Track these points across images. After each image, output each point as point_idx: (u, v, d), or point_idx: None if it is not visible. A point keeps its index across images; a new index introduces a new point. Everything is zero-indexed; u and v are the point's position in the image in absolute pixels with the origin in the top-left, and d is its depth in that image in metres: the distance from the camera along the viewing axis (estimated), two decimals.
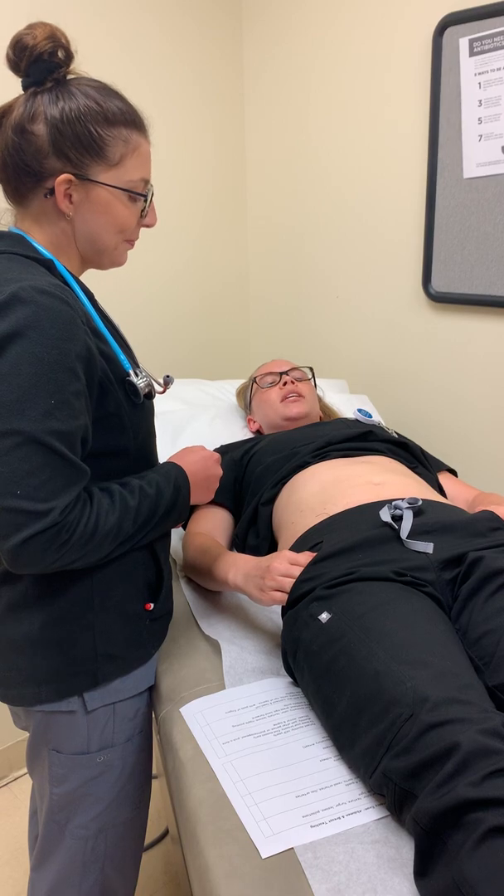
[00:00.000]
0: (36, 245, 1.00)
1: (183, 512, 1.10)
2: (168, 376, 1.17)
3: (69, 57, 0.98)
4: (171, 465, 1.11)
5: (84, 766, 1.10)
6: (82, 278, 1.15)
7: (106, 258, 1.06)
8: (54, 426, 0.88)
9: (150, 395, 1.07)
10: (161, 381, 1.17)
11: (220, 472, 1.19)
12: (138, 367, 1.07)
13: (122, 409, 1.01)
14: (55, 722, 1.08)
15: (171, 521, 1.08)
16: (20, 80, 0.98)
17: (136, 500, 1.00)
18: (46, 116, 0.95)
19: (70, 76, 0.99)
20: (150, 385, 1.06)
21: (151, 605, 1.11)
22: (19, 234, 1.01)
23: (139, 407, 1.05)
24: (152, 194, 1.04)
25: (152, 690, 1.20)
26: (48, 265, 0.98)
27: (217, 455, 1.19)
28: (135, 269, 2.15)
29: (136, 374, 1.03)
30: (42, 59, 0.95)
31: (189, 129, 2.21)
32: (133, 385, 1.03)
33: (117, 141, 0.98)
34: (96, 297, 1.10)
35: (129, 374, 1.03)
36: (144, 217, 1.06)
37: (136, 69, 2.03)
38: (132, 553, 1.06)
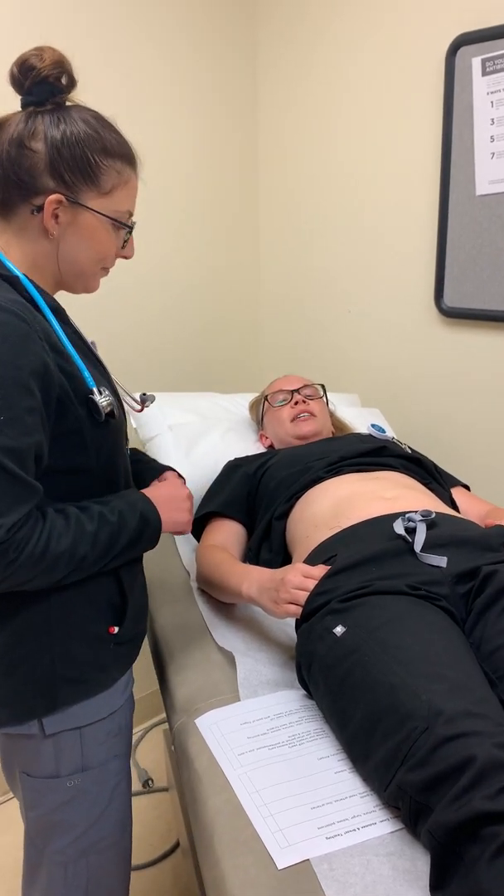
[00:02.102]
0: (5, 261, 1.00)
1: (153, 537, 1.08)
2: (145, 394, 1.15)
3: (71, 84, 1.01)
4: (135, 494, 1.09)
5: (55, 790, 1.07)
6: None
7: (80, 282, 1.07)
8: (3, 443, 0.87)
9: (112, 415, 1.04)
10: (137, 398, 1.16)
11: (185, 491, 1.18)
12: (109, 384, 1.06)
13: (83, 426, 0.99)
14: (19, 745, 1.06)
15: (140, 548, 1.07)
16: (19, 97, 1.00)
17: (95, 525, 0.98)
18: (47, 136, 0.97)
19: (68, 103, 1.01)
20: (112, 404, 1.03)
21: (116, 629, 1.08)
22: None
23: (102, 425, 1.03)
24: (133, 226, 1.07)
25: (127, 712, 1.16)
26: (13, 281, 0.97)
27: (180, 481, 1.19)
28: (147, 284, 2.18)
29: (100, 393, 1.01)
30: (46, 82, 0.98)
31: (202, 146, 2.24)
32: (95, 403, 1.00)
33: (111, 171, 1.00)
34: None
35: (91, 392, 1.00)
36: (124, 248, 1.08)
37: (151, 80, 2.06)
38: (94, 575, 1.03)
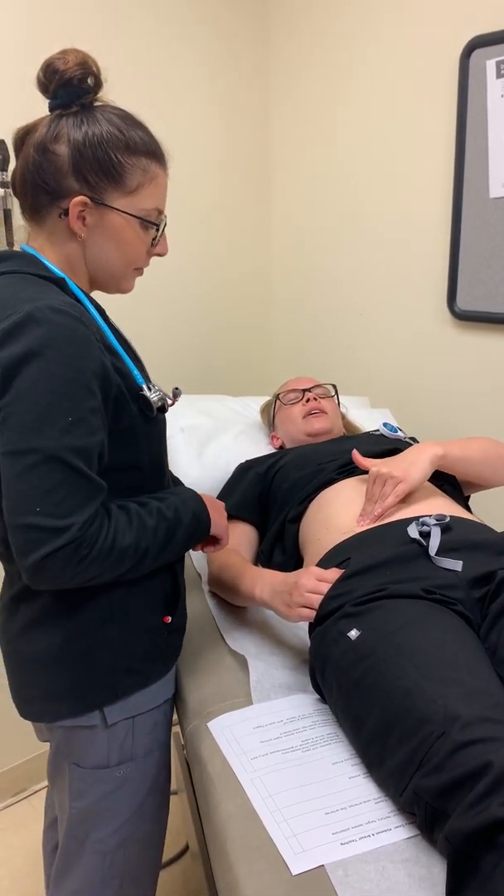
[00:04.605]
0: (48, 263, 1.01)
1: (204, 533, 1.11)
2: (177, 389, 1.17)
3: (98, 84, 1.01)
4: (188, 492, 1.12)
5: (103, 780, 1.10)
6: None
7: (113, 283, 1.08)
8: (72, 443, 0.89)
9: (163, 409, 1.08)
10: (170, 393, 1.18)
11: (222, 503, 1.22)
12: (150, 381, 1.08)
13: (136, 423, 1.02)
14: (76, 737, 1.08)
15: (192, 543, 1.10)
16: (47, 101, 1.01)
17: (154, 520, 1.01)
18: (69, 138, 0.97)
19: (97, 103, 1.01)
20: (163, 399, 1.07)
21: (169, 618, 1.11)
22: (31, 254, 1.02)
23: (152, 421, 1.06)
24: (165, 224, 1.06)
25: (171, 704, 1.20)
26: (60, 283, 0.99)
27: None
28: (159, 287, 2.17)
29: (150, 389, 1.05)
30: (71, 84, 0.98)
31: (214, 149, 2.24)
32: (147, 399, 1.04)
33: (136, 169, 1.00)
34: (108, 314, 1.11)
35: (142, 389, 1.04)
36: (155, 246, 1.07)
37: (164, 87, 2.07)
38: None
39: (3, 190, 1.67)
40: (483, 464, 1.45)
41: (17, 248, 1.74)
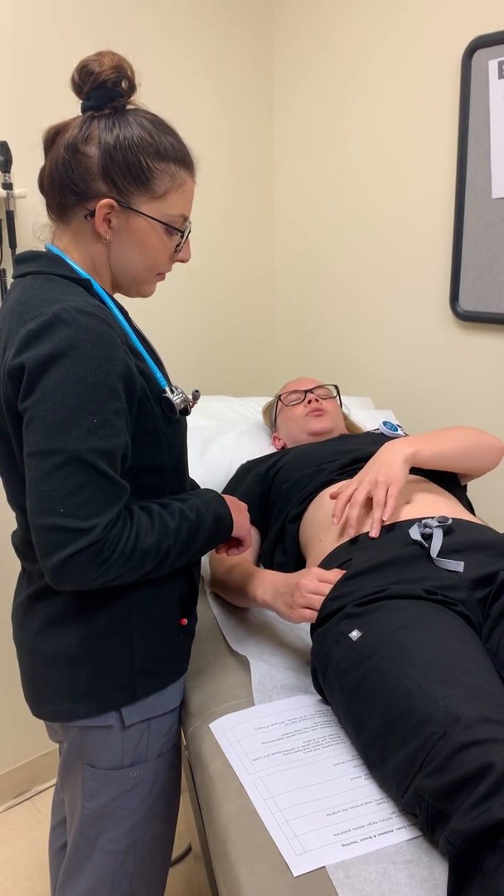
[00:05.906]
0: (73, 264, 1.02)
1: (226, 535, 1.12)
2: (196, 391, 1.19)
3: (131, 88, 1.02)
4: (210, 493, 1.12)
5: (117, 780, 1.11)
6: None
7: (134, 287, 1.09)
8: (96, 445, 0.90)
9: (185, 411, 1.08)
10: (190, 396, 1.19)
11: (244, 504, 1.22)
12: (171, 383, 1.09)
13: (158, 425, 1.03)
14: (91, 737, 1.09)
15: (214, 544, 1.10)
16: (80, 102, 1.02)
17: (176, 522, 1.01)
18: (100, 140, 0.98)
19: (129, 107, 1.02)
20: (185, 401, 1.08)
21: (186, 620, 1.12)
22: (57, 254, 1.03)
23: (174, 423, 1.07)
24: (189, 231, 1.07)
25: (181, 707, 1.20)
26: (86, 285, 1.00)
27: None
28: (163, 288, 2.17)
29: (172, 391, 1.05)
30: (104, 87, 0.99)
31: (218, 148, 2.24)
32: (169, 401, 1.05)
33: (164, 175, 1.01)
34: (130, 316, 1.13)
35: (164, 391, 1.05)
36: (178, 252, 1.08)
37: (166, 91, 2.07)
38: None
39: (5, 192, 1.68)
40: (460, 455, 1.42)
41: (20, 249, 1.75)
